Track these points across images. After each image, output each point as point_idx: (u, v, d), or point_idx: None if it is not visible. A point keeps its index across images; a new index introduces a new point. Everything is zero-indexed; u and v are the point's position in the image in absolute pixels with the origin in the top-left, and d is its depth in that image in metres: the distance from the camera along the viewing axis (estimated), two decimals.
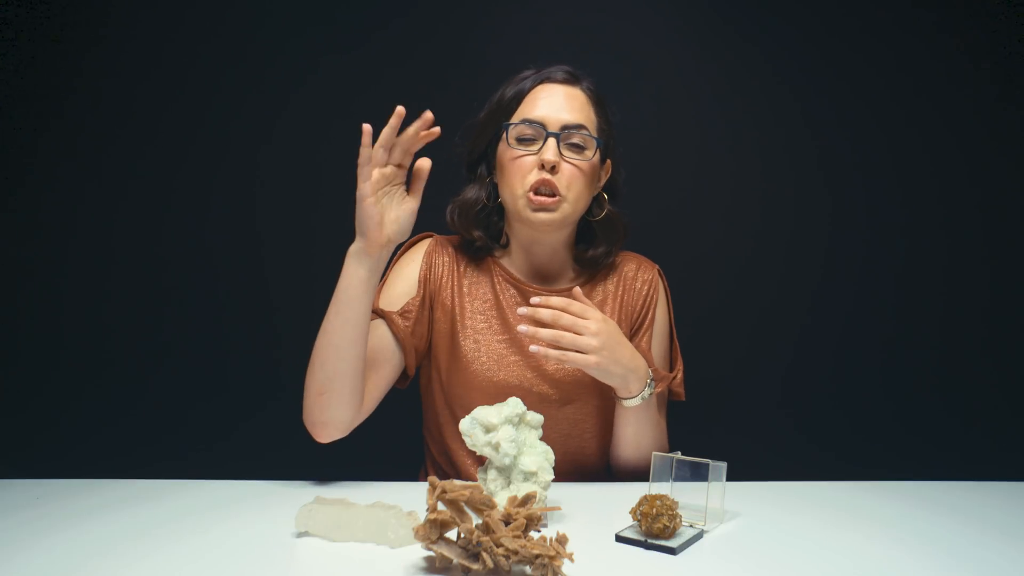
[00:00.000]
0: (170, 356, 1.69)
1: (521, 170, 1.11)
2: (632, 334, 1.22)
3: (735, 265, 1.70)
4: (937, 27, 1.67)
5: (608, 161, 1.21)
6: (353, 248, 1.01)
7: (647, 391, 1.08)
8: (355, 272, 1.01)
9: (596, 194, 1.19)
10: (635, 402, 1.08)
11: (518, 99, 1.14)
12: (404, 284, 1.19)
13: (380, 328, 1.14)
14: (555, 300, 1.03)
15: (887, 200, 1.70)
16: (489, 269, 1.22)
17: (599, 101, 1.17)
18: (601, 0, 1.69)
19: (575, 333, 1.01)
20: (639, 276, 1.24)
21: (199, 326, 1.69)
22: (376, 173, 0.98)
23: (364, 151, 0.97)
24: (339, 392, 1.03)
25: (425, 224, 1.28)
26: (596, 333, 1.01)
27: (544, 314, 1.01)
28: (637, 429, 1.11)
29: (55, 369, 1.67)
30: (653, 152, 1.67)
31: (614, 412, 1.22)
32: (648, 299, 1.23)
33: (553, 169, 1.09)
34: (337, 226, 1.68)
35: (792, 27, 1.68)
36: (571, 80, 1.15)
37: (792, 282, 1.71)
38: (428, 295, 1.19)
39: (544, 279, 1.22)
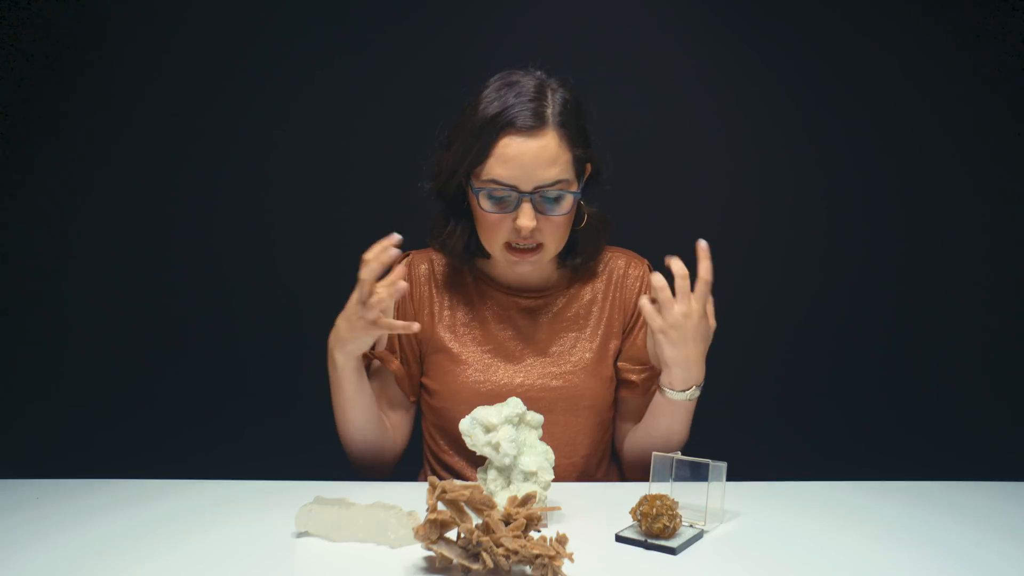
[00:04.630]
0: (173, 357, 1.69)
1: (496, 228, 1.09)
2: (625, 332, 1.22)
3: (734, 264, 1.69)
4: (937, 25, 1.66)
5: (587, 165, 1.14)
6: (349, 349, 1.06)
7: (689, 393, 1.08)
8: (347, 363, 1.08)
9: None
10: (676, 396, 1.07)
11: (485, 148, 1.05)
12: None
13: (384, 373, 1.20)
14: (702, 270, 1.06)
15: (886, 200, 1.69)
16: (471, 279, 1.22)
17: (572, 122, 1.07)
18: (601, 1, 1.69)
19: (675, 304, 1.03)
20: (629, 273, 1.23)
21: (203, 327, 1.69)
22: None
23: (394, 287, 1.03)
24: (380, 456, 1.16)
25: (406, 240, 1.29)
26: (687, 314, 1.03)
27: (677, 268, 1.04)
28: (671, 423, 1.10)
29: (57, 370, 1.67)
30: (650, 151, 1.66)
31: (608, 417, 1.22)
32: (639, 295, 1.22)
33: (531, 232, 1.07)
34: (348, 226, 1.69)
35: (790, 25, 1.67)
36: (538, 124, 1.04)
37: (791, 281, 1.71)
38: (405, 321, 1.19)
39: (527, 286, 1.21)
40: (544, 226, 1.08)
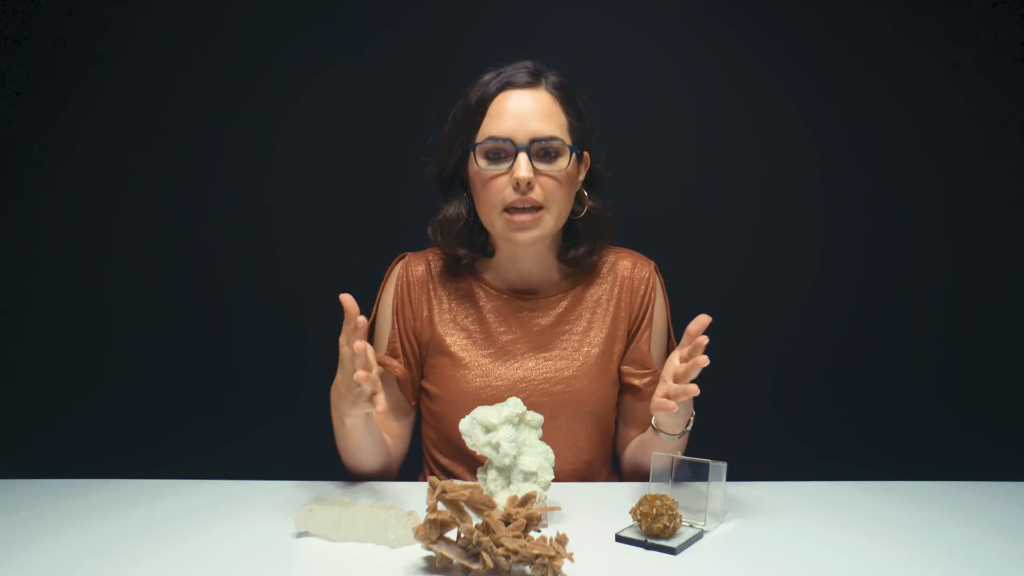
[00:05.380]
0: (174, 358, 1.69)
1: (495, 190, 1.07)
2: (632, 334, 1.20)
3: (733, 264, 1.70)
4: (937, 24, 1.66)
5: (585, 154, 1.15)
6: (355, 412, 0.99)
7: (688, 426, 1.06)
8: (355, 423, 1.02)
9: (576, 192, 1.15)
10: (675, 438, 1.05)
11: (481, 111, 1.08)
12: (385, 320, 1.20)
13: (386, 379, 1.17)
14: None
15: (885, 200, 1.69)
16: (469, 282, 1.20)
17: (566, 97, 1.11)
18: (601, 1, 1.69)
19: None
20: (635, 274, 1.21)
21: (204, 327, 1.69)
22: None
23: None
24: (381, 469, 1.13)
25: (406, 239, 1.29)
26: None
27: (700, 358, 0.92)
28: (667, 451, 1.10)
29: (57, 370, 1.67)
30: (648, 151, 1.66)
31: (610, 421, 1.22)
32: (646, 297, 1.20)
33: (528, 185, 1.05)
34: (348, 225, 1.69)
35: (789, 24, 1.67)
36: (534, 82, 1.09)
37: (790, 281, 1.71)
38: (404, 325, 1.18)
39: (529, 288, 1.19)
40: (542, 184, 1.06)
